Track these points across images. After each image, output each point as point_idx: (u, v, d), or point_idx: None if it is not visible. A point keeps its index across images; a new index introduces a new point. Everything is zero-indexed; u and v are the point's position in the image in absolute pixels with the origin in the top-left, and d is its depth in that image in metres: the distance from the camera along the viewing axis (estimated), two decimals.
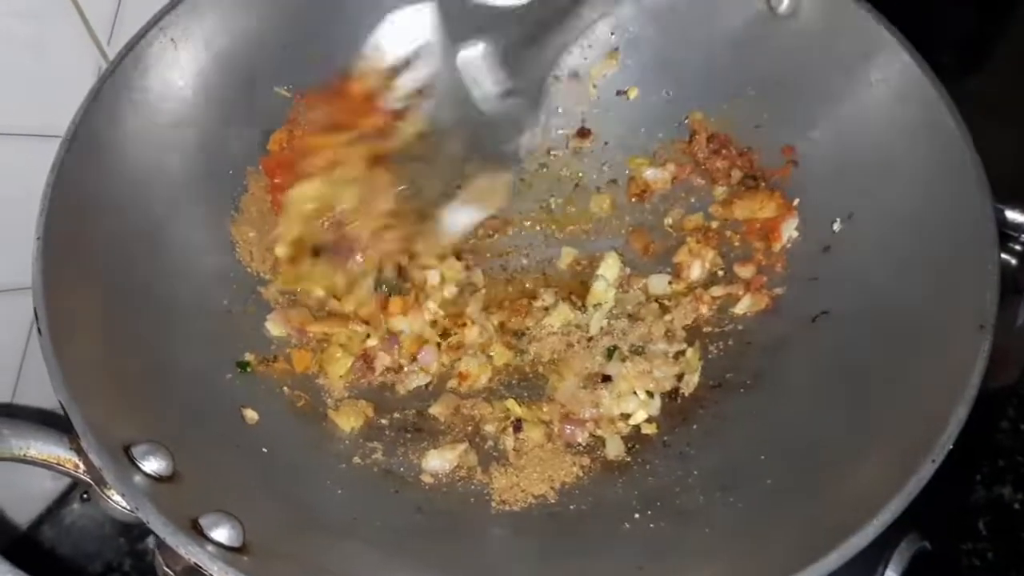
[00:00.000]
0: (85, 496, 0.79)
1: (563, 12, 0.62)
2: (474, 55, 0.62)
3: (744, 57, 0.69)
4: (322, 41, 0.69)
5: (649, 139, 0.74)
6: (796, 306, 0.63)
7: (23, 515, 0.79)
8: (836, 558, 0.45)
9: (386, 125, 0.65)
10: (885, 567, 0.61)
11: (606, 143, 0.75)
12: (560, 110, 0.75)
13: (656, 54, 0.73)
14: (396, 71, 0.64)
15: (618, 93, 0.74)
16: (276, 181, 0.67)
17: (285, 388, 0.63)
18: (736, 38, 0.69)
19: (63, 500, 0.80)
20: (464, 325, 0.68)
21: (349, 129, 0.64)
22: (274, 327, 0.65)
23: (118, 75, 0.59)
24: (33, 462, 0.47)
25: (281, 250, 0.64)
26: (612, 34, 0.73)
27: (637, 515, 0.57)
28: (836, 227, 0.63)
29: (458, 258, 0.71)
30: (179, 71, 0.63)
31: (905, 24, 0.62)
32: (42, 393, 0.74)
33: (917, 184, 0.59)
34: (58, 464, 0.47)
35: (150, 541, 0.79)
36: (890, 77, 0.61)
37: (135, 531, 0.79)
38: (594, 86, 0.75)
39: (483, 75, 0.62)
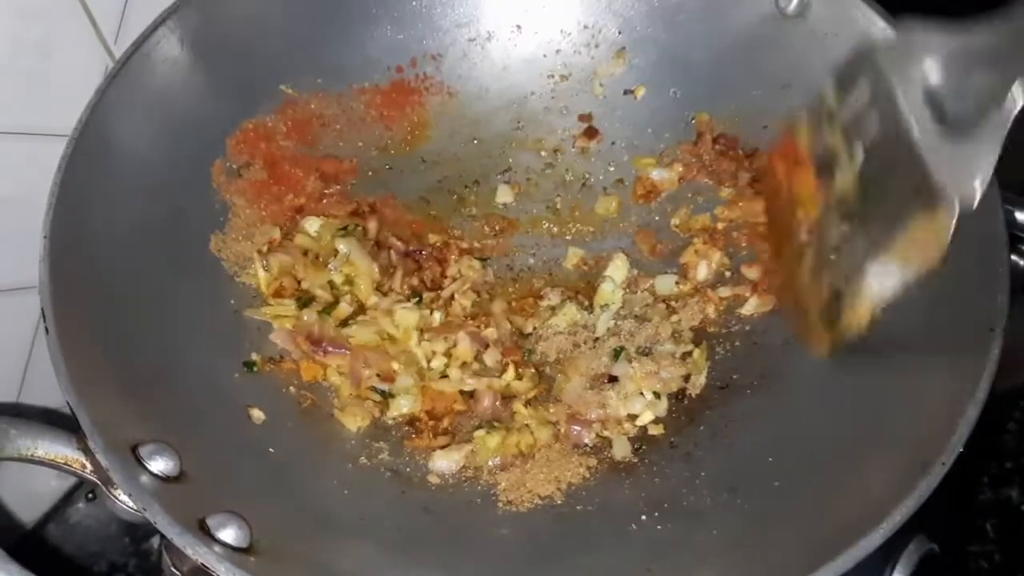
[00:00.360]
0: (90, 495, 0.79)
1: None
2: (915, 83, 0.51)
3: (752, 57, 0.69)
4: (327, 41, 0.69)
5: (656, 139, 0.73)
6: None
7: (29, 514, 0.79)
8: (844, 561, 0.45)
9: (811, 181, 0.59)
10: (892, 569, 0.60)
11: (613, 143, 0.75)
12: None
13: (664, 53, 0.73)
14: (830, 117, 0.58)
15: (625, 92, 0.74)
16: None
17: (291, 388, 0.63)
18: (744, 38, 0.69)
19: (68, 499, 0.80)
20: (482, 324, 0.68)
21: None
22: (280, 341, 0.65)
23: (124, 75, 0.59)
24: (40, 462, 0.47)
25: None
26: (619, 33, 0.73)
27: (644, 516, 0.56)
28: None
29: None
30: (185, 70, 0.63)
31: None
32: (48, 392, 0.74)
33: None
34: (65, 464, 0.47)
35: (155, 541, 0.79)
36: None
37: (140, 531, 0.79)
38: (600, 85, 0.75)
39: (923, 108, 0.51)
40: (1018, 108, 0.46)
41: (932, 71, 0.51)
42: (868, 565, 0.59)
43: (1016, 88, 0.46)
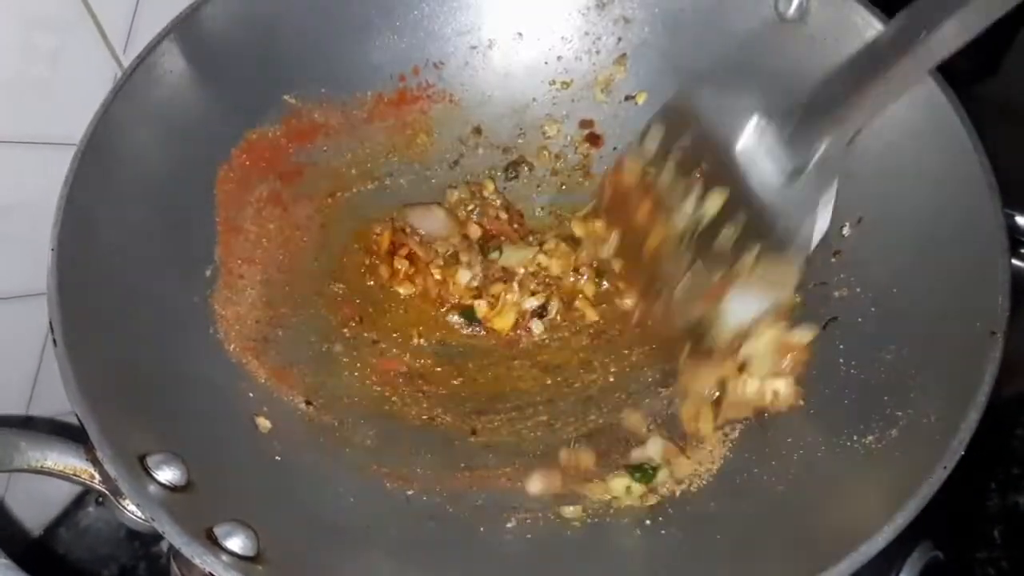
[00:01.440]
0: (100, 500, 0.80)
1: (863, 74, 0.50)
2: (750, 136, 0.55)
3: (752, 62, 0.69)
4: (331, 50, 0.70)
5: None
6: (806, 312, 0.63)
7: (41, 518, 0.80)
8: (847, 566, 0.45)
9: (651, 215, 0.62)
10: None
11: (615, 149, 0.75)
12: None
13: (665, 59, 0.73)
14: (663, 157, 0.61)
15: (627, 98, 0.75)
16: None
17: (297, 399, 0.63)
18: (744, 43, 0.69)
19: (79, 503, 0.81)
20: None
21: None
22: None
23: (129, 87, 0.59)
24: (50, 473, 0.48)
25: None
26: (620, 40, 0.74)
27: (648, 521, 0.57)
28: (846, 231, 0.63)
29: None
30: (189, 82, 0.63)
31: None
32: (57, 403, 0.75)
33: (926, 188, 0.59)
34: (74, 475, 0.48)
35: (164, 545, 0.80)
36: None
37: (149, 535, 0.79)
38: (602, 91, 0.75)
39: (760, 158, 0.54)
40: (840, 153, 0.50)
41: (761, 124, 0.54)
42: (873, 571, 0.59)
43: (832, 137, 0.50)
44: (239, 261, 0.66)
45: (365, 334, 0.69)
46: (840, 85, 0.51)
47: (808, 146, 0.52)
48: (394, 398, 0.67)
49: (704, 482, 0.59)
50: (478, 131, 0.76)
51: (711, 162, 0.57)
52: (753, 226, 0.55)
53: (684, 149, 0.59)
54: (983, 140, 0.56)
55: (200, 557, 0.44)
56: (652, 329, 0.64)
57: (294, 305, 0.68)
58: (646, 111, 0.74)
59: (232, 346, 0.62)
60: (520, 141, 0.76)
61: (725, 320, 0.57)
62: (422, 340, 0.70)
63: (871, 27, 0.62)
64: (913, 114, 0.60)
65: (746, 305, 0.57)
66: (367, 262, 0.72)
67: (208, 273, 0.63)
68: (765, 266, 0.54)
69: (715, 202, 0.58)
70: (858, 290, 0.60)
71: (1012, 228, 0.58)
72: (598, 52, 0.74)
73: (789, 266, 0.54)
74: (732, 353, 0.58)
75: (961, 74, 0.60)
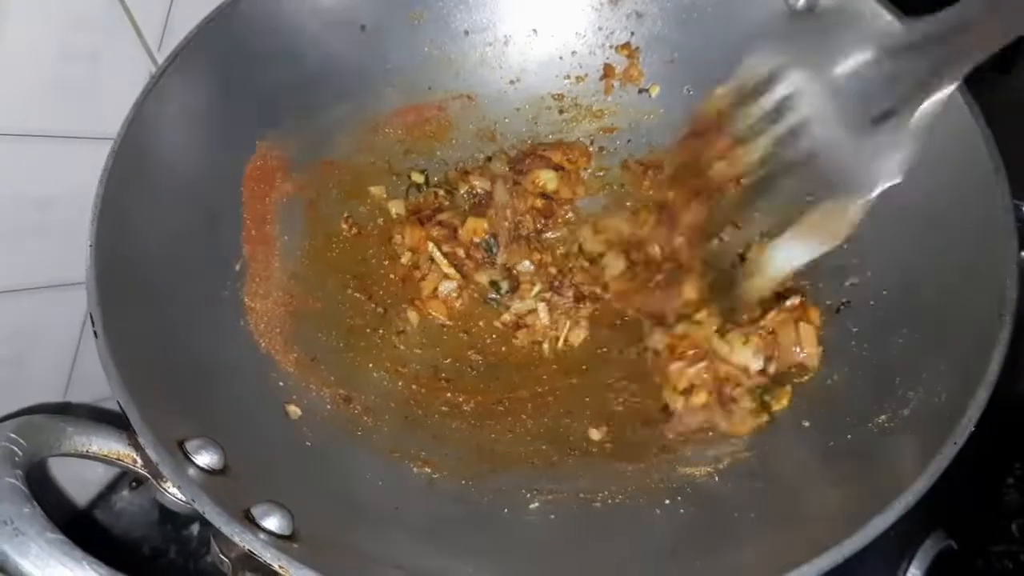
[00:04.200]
0: (134, 484, 0.82)
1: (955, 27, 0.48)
2: (844, 72, 0.52)
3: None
4: (354, 52, 0.72)
5: (672, 137, 0.75)
6: (820, 297, 0.64)
7: (75, 502, 0.82)
8: (860, 539, 0.46)
9: (727, 150, 0.60)
10: (909, 563, 0.62)
11: (629, 141, 0.77)
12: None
13: (677, 52, 0.74)
14: (755, 93, 0.59)
15: (640, 91, 0.76)
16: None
17: (325, 387, 0.65)
18: (755, 34, 0.70)
19: (113, 487, 0.84)
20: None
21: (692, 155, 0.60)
22: None
23: (160, 88, 0.62)
24: (95, 457, 0.50)
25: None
26: (633, 34, 0.75)
27: (668, 501, 0.58)
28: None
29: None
30: (218, 82, 0.65)
31: None
32: (93, 389, 0.77)
33: (938, 177, 0.60)
34: (117, 459, 0.50)
35: (194, 528, 0.83)
36: None
37: (180, 518, 0.82)
38: (615, 84, 0.77)
39: (853, 97, 0.52)
40: (946, 96, 0.48)
41: (860, 62, 0.52)
42: (885, 558, 0.61)
43: (944, 80, 0.48)
44: (266, 256, 0.68)
45: (390, 326, 0.71)
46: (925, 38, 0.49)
47: (911, 89, 0.49)
48: (418, 387, 0.69)
49: (722, 464, 0.60)
50: (494, 126, 0.78)
51: (799, 105, 0.55)
52: (822, 169, 0.52)
53: (775, 94, 0.57)
54: (995, 134, 0.57)
55: (239, 536, 0.46)
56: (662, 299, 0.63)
57: (320, 298, 0.70)
58: (660, 103, 0.76)
59: (261, 337, 0.65)
60: (536, 134, 0.77)
61: (769, 266, 0.56)
62: (445, 334, 0.72)
63: (880, 17, 0.63)
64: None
65: (795, 252, 0.55)
66: (389, 258, 0.75)
67: (237, 267, 0.66)
68: (824, 213, 0.53)
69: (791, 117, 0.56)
70: (870, 274, 0.62)
71: (1021, 218, 0.59)
72: (611, 46, 0.76)
73: (846, 215, 0.52)
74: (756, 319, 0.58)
75: (975, 71, 0.61)
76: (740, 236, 0.58)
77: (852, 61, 0.52)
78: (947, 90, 0.48)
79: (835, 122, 0.52)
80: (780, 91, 0.56)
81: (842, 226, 0.53)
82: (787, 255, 0.56)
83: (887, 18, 0.62)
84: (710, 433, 0.61)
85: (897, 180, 0.50)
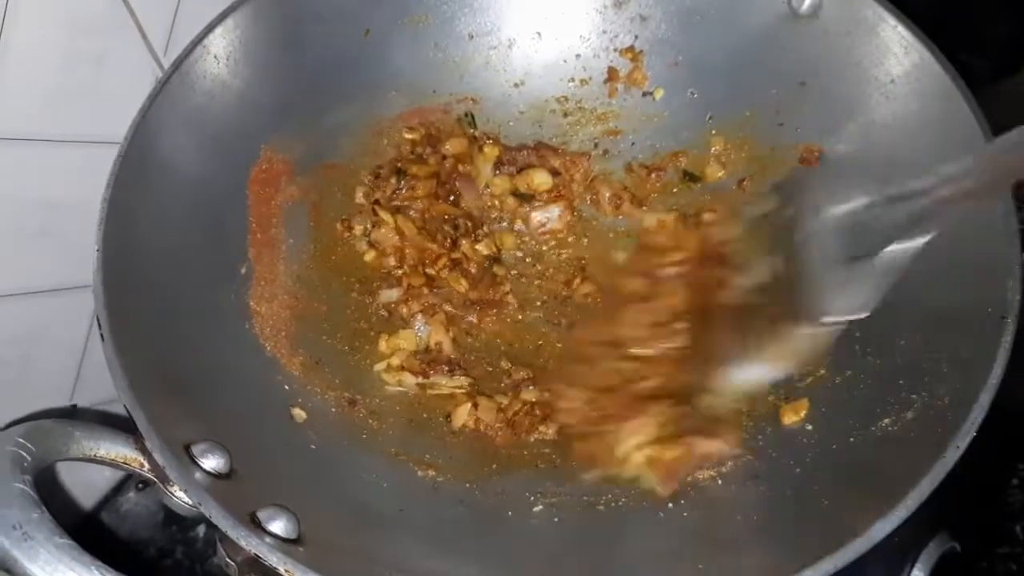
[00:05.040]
0: (140, 486, 0.83)
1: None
2: (837, 214, 0.54)
3: (767, 57, 0.70)
4: (358, 56, 0.72)
5: (675, 140, 0.76)
6: None
7: (82, 504, 0.83)
8: (863, 544, 0.46)
9: (724, 277, 0.63)
10: (912, 566, 0.62)
11: (633, 144, 0.77)
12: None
13: (681, 55, 0.74)
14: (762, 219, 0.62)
15: (644, 94, 0.76)
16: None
17: (329, 391, 0.66)
18: (759, 39, 0.70)
19: (119, 489, 0.84)
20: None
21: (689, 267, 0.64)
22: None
23: (165, 92, 0.62)
24: (102, 461, 0.50)
25: None
26: (637, 37, 0.75)
27: (671, 504, 0.59)
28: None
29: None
30: (222, 86, 0.66)
31: (944, 31, 0.63)
32: (100, 392, 0.78)
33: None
34: (125, 463, 0.50)
35: (200, 529, 0.83)
36: (910, 73, 0.63)
37: (186, 519, 0.81)
38: (619, 88, 0.77)
39: (840, 236, 0.54)
40: (921, 244, 0.50)
41: (855, 206, 0.54)
42: (888, 561, 0.61)
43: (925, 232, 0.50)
44: (271, 259, 0.69)
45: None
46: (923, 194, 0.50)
47: (881, 237, 0.52)
48: (423, 390, 0.69)
49: (725, 467, 0.60)
50: (499, 129, 0.78)
51: (788, 237, 0.58)
52: (793, 299, 0.56)
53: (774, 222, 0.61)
54: (1000, 135, 0.57)
55: (245, 539, 0.47)
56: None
57: (325, 301, 0.70)
58: (664, 106, 0.76)
59: (267, 341, 0.65)
60: (540, 137, 0.78)
61: (729, 386, 0.60)
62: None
63: (883, 21, 0.64)
64: (924, 105, 0.61)
65: (755, 374, 0.59)
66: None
67: (243, 271, 0.66)
68: (791, 339, 0.56)
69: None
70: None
71: (1023, 221, 0.59)
72: (615, 50, 0.76)
73: (811, 342, 0.56)
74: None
75: (982, 72, 0.61)
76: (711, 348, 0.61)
77: (849, 205, 0.54)
78: (924, 239, 0.50)
79: (818, 256, 0.55)
80: (775, 222, 0.60)
81: (807, 352, 0.56)
82: (747, 376, 0.59)
83: (891, 22, 0.63)
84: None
85: (864, 315, 0.53)
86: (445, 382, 0.68)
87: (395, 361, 0.69)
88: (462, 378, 0.68)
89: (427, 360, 0.69)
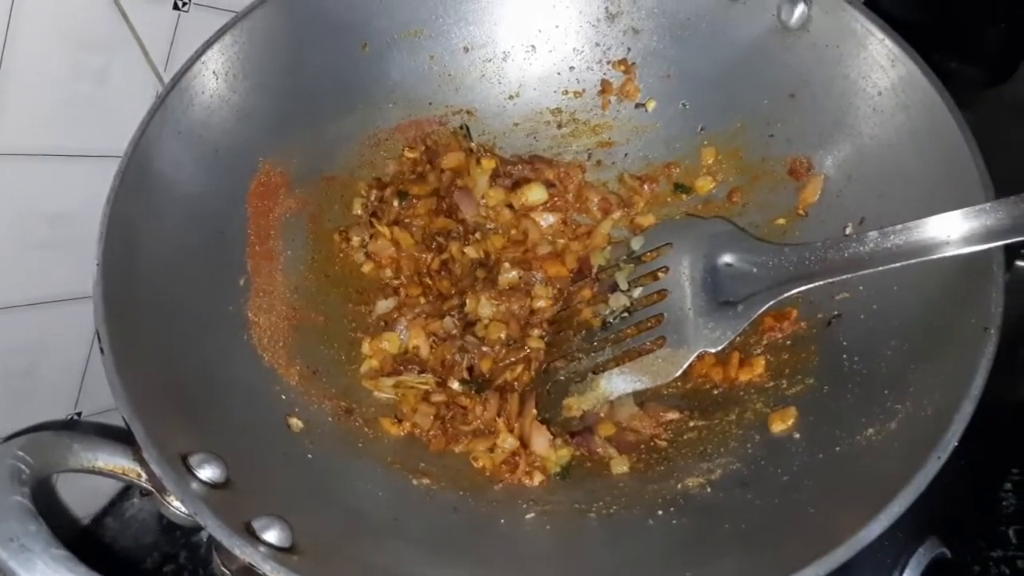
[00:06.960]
0: (144, 492, 0.84)
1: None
2: (716, 265, 0.67)
3: (758, 69, 0.71)
4: (353, 71, 0.73)
5: (667, 150, 0.77)
6: (812, 310, 0.66)
7: (89, 508, 0.84)
8: (846, 550, 0.47)
9: (594, 298, 0.73)
10: (902, 572, 0.63)
11: (625, 155, 0.78)
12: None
13: (673, 68, 0.76)
14: (640, 259, 0.72)
15: (637, 106, 0.77)
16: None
17: (326, 400, 0.67)
18: (750, 51, 0.71)
19: (124, 495, 0.86)
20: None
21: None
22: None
23: (164, 109, 0.63)
24: (100, 472, 0.51)
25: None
26: (629, 50, 0.76)
27: (660, 512, 0.59)
28: (848, 231, 0.65)
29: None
30: (221, 101, 0.67)
31: (936, 40, 0.63)
32: (103, 401, 0.79)
33: (924, 188, 0.61)
34: (123, 474, 0.51)
35: (204, 535, 0.84)
36: (896, 85, 0.63)
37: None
38: (612, 99, 0.78)
39: (713, 284, 0.66)
40: (780, 299, 0.63)
41: (734, 260, 0.67)
42: (877, 566, 0.61)
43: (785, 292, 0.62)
44: (269, 270, 0.70)
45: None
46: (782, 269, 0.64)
47: (757, 291, 0.64)
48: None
49: (714, 475, 0.61)
50: (494, 140, 0.79)
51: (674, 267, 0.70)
52: (663, 324, 0.67)
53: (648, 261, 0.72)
54: (992, 142, 0.58)
55: (240, 549, 0.47)
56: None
57: (322, 311, 0.72)
58: (656, 117, 0.77)
59: (265, 351, 0.66)
60: (535, 148, 0.79)
61: (596, 392, 0.68)
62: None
63: (871, 35, 0.64)
64: (910, 117, 0.62)
65: (621, 384, 0.68)
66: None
67: (241, 283, 0.67)
68: (657, 357, 0.67)
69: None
70: (861, 288, 0.63)
71: None
72: (608, 62, 0.77)
73: (677, 363, 0.66)
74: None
75: (974, 79, 0.61)
76: (584, 363, 0.69)
77: (729, 259, 0.67)
78: (782, 296, 0.63)
79: (691, 298, 0.67)
80: (661, 262, 0.71)
81: (669, 371, 0.66)
82: (614, 385, 0.68)
83: (878, 36, 0.64)
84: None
85: (718, 348, 0.65)
86: (412, 380, 0.70)
87: (374, 362, 0.70)
88: (428, 375, 0.70)
89: (403, 361, 0.71)
